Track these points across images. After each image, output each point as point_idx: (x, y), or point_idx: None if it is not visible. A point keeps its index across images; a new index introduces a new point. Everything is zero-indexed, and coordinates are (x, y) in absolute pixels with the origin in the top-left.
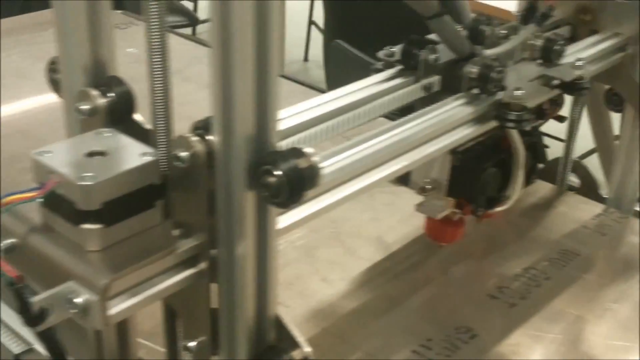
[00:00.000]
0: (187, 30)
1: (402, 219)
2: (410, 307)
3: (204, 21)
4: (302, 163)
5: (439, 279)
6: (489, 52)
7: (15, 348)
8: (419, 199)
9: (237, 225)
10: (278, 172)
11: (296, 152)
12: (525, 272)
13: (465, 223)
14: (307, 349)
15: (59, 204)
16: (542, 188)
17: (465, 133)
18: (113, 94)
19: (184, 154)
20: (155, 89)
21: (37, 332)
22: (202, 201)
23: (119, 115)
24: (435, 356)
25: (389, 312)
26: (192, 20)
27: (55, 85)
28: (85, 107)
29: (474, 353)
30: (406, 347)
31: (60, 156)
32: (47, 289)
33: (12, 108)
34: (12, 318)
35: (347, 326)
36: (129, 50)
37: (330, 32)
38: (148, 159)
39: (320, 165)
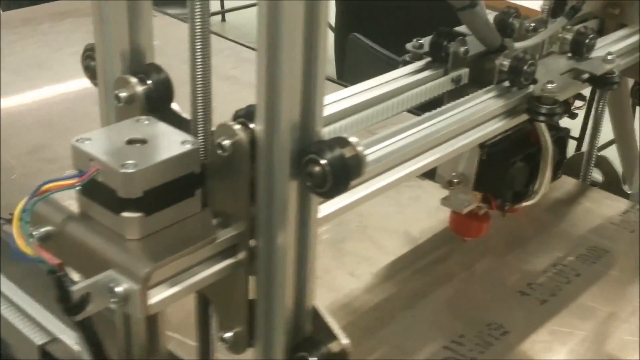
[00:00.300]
0: None
1: (428, 213)
2: (437, 302)
3: (213, 14)
4: (347, 152)
5: (465, 274)
6: (518, 44)
7: (38, 339)
8: (444, 193)
9: (278, 215)
10: (323, 162)
11: (341, 141)
12: (553, 269)
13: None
14: (345, 340)
15: (98, 191)
16: (565, 183)
17: (496, 126)
18: (151, 82)
19: (226, 142)
20: (196, 76)
21: (75, 322)
22: (243, 190)
23: (157, 104)
24: (467, 352)
25: (415, 307)
26: None
27: (91, 72)
28: (123, 94)
29: (506, 350)
30: (435, 342)
31: (100, 143)
32: (84, 278)
33: (32, 98)
34: (34, 308)
35: (374, 320)
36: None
37: (345, 26)
38: (189, 147)
39: (366, 154)
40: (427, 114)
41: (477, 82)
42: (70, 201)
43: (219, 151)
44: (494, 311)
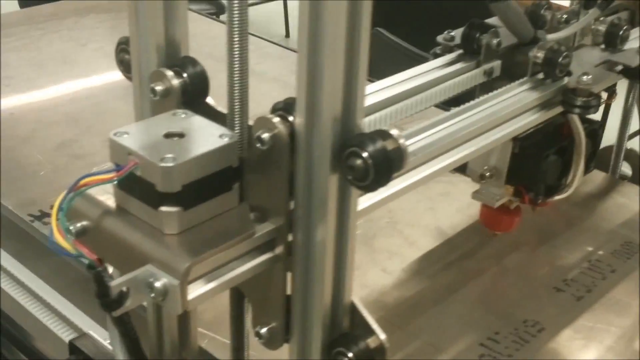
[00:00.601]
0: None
1: (459, 209)
2: (469, 297)
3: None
4: (389, 145)
5: (496, 269)
6: (551, 36)
7: (66, 335)
8: (474, 188)
9: (317, 209)
10: (365, 155)
11: (383, 134)
12: (587, 264)
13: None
14: (383, 336)
15: (136, 186)
16: (594, 177)
17: (530, 119)
18: (187, 75)
19: (265, 135)
20: (234, 69)
21: (113, 317)
22: (282, 184)
23: (193, 97)
24: (503, 350)
25: (447, 302)
26: (218, 7)
27: (125, 66)
28: (159, 87)
29: (542, 347)
30: (470, 338)
31: (138, 137)
32: (121, 273)
33: (58, 93)
34: (62, 304)
35: (404, 315)
36: None
37: None
38: (227, 140)
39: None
40: (461, 107)
41: (508, 74)
42: (107, 195)
43: (258, 144)
44: (529, 307)
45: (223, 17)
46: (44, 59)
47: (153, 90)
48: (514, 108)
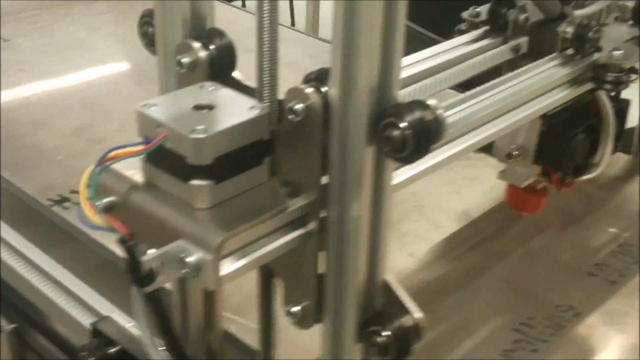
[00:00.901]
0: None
1: (484, 193)
2: (499, 281)
3: None
4: (427, 115)
5: (523, 252)
6: (579, 12)
7: (85, 319)
8: (499, 170)
9: (352, 183)
10: (403, 125)
11: (420, 104)
12: (618, 248)
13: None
14: (418, 314)
15: (166, 159)
16: (617, 159)
17: (559, 96)
18: (214, 47)
19: (299, 107)
20: (263, 41)
21: (144, 294)
22: (315, 157)
23: (220, 70)
24: (538, 335)
25: (475, 286)
26: None
27: (148, 39)
28: (185, 60)
29: (578, 332)
30: (498, 322)
31: (167, 109)
32: (150, 248)
33: (72, 79)
34: (82, 289)
35: (432, 297)
36: None
37: None
38: (258, 112)
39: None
40: (490, 83)
41: (535, 51)
42: (133, 171)
43: (291, 116)
44: (561, 292)
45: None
46: (57, 45)
47: (179, 63)
48: (544, 84)
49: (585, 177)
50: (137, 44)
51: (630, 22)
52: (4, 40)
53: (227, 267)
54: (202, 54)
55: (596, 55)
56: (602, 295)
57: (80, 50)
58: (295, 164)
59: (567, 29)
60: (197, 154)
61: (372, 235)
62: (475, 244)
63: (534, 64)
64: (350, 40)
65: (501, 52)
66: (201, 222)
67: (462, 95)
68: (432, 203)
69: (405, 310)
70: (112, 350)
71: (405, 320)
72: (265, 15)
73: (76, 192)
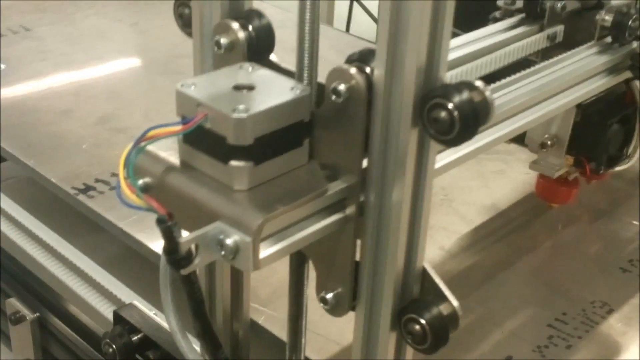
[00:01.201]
0: None
1: (514, 187)
2: (529, 275)
3: None
4: (476, 96)
5: (553, 247)
6: (615, 2)
7: (106, 307)
8: (527, 165)
9: (395, 166)
10: (451, 106)
11: (468, 85)
12: None
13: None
14: (456, 302)
15: (204, 139)
16: None
17: (596, 85)
18: (253, 28)
19: (342, 87)
20: (304, 21)
21: (181, 276)
22: (356, 139)
23: (258, 51)
24: (573, 331)
25: (505, 279)
26: None
27: (184, 20)
28: (224, 40)
29: (612, 328)
30: (533, 317)
31: (207, 89)
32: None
33: (96, 69)
34: (104, 277)
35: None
36: None
37: None
38: (299, 93)
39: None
40: (526, 71)
41: (570, 39)
42: (170, 152)
43: (333, 97)
44: (596, 288)
45: None
46: (80, 35)
47: (217, 43)
48: (580, 73)
49: (618, 168)
50: (159, 34)
51: None
52: (24, 30)
53: (265, 250)
54: (241, 34)
55: (635, 44)
56: (636, 291)
57: (103, 40)
58: (336, 146)
59: (605, 17)
60: (238, 134)
61: (412, 221)
62: (503, 235)
63: (571, 52)
64: (398, 20)
65: (537, 40)
66: (240, 204)
67: (499, 83)
68: (461, 196)
69: (443, 298)
70: (135, 337)
71: (444, 308)
72: None
73: (101, 180)
